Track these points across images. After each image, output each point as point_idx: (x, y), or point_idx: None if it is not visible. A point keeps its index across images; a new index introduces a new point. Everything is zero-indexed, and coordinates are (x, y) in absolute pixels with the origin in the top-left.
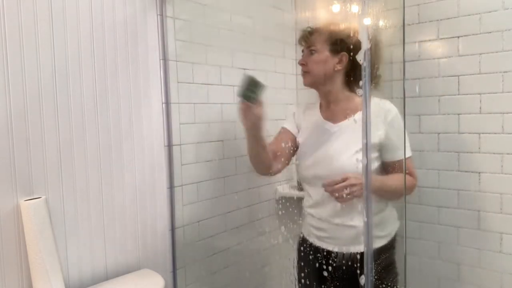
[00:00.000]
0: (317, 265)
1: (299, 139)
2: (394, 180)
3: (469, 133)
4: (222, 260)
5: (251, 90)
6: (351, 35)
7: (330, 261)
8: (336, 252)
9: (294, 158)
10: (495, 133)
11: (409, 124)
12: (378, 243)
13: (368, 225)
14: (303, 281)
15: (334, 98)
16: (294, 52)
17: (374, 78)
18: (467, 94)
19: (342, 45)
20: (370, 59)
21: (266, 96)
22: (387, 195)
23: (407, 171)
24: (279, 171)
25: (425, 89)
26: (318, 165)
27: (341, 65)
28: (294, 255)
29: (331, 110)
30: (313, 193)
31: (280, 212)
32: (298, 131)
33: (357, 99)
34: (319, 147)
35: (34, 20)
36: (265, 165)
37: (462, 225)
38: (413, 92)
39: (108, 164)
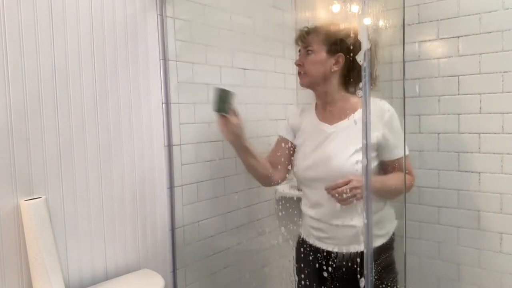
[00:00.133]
0: (317, 265)
1: (296, 141)
2: (393, 179)
3: (469, 133)
4: (222, 260)
5: (223, 101)
6: (349, 35)
7: (330, 262)
8: (336, 252)
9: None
10: (495, 133)
11: (409, 124)
12: (377, 242)
13: (368, 226)
14: (303, 282)
15: (330, 99)
16: (294, 52)
17: (372, 79)
18: (467, 94)
19: (339, 46)
20: (370, 59)
21: (266, 96)
22: (387, 195)
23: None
24: (282, 180)
25: (425, 89)
26: (316, 167)
27: (338, 66)
28: (293, 256)
29: (327, 111)
30: (311, 195)
31: (280, 213)
32: (295, 135)
33: (353, 100)
34: (316, 148)
35: (34, 20)
36: (264, 177)
37: (462, 225)
38: (413, 92)
39: (108, 164)
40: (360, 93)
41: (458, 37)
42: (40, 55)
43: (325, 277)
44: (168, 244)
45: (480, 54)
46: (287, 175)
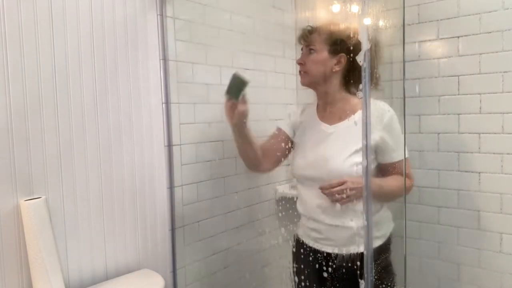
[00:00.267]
0: (315, 266)
1: (296, 139)
2: (392, 183)
3: (469, 133)
4: (222, 260)
5: (238, 89)
6: (351, 36)
7: (326, 263)
8: (331, 253)
9: (289, 158)
10: (495, 133)
11: (409, 124)
12: (374, 244)
13: (368, 227)
14: (303, 283)
15: (331, 99)
16: (294, 52)
17: (373, 79)
18: (467, 94)
19: (341, 46)
20: (370, 60)
21: (266, 96)
22: (382, 198)
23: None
24: (269, 170)
25: (425, 89)
26: (313, 166)
27: (339, 66)
28: (290, 256)
29: (328, 111)
30: (307, 194)
31: (280, 214)
32: (294, 132)
33: (354, 101)
34: (315, 148)
35: (34, 20)
36: (253, 162)
37: (462, 225)
38: (413, 92)
39: (108, 164)
40: (360, 94)
41: (458, 37)
42: (40, 55)
43: (323, 277)
44: (168, 244)
45: (480, 54)
46: (276, 167)
